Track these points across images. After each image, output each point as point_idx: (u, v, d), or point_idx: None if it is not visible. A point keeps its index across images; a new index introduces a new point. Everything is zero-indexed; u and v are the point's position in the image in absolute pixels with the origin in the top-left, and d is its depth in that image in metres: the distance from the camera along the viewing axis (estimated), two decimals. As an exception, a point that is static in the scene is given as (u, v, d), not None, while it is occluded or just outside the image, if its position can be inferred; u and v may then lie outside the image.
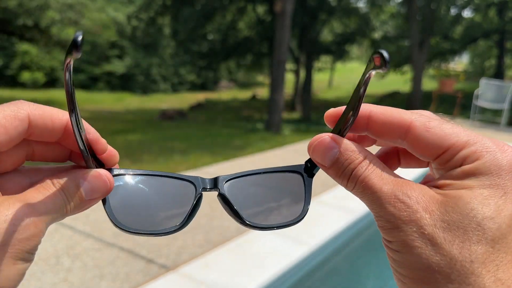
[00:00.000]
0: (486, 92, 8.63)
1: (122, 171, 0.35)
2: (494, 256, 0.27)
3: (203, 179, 0.35)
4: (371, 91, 21.54)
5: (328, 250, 2.42)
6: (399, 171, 0.36)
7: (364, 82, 0.31)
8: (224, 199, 0.35)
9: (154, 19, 14.01)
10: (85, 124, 0.33)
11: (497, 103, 8.41)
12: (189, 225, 0.35)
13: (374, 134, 0.34)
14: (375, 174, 0.31)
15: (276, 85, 9.35)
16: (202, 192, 0.35)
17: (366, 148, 0.34)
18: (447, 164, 0.31)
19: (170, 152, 6.27)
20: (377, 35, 16.78)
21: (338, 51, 16.37)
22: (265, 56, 15.29)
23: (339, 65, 25.74)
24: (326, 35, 17.76)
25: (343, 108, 0.34)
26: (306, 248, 2.22)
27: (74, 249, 2.21)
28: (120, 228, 0.34)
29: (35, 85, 17.88)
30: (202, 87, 22.33)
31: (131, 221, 0.34)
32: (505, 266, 0.27)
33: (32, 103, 0.32)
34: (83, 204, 0.32)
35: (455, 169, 0.30)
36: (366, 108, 0.33)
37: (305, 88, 14.18)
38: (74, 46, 0.25)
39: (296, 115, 14.01)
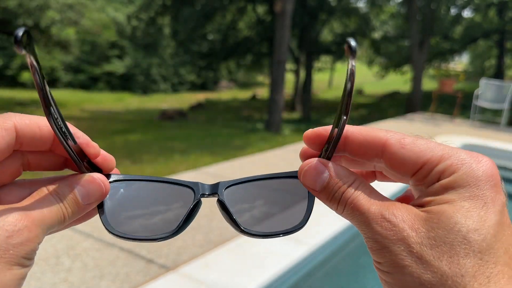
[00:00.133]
0: (486, 92, 8.63)
1: (120, 177, 0.35)
2: (484, 268, 0.27)
3: (203, 185, 0.35)
4: (371, 91, 21.56)
5: (328, 250, 2.42)
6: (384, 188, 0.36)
7: (347, 93, 0.30)
8: (222, 206, 0.35)
9: (154, 19, 14.01)
10: (73, 128, 0.32)
11: (497, 103, 8.40)
12: (189, 225, 0.35)
13: (352, 154, 0.34)
14: (363, 196, 0.31)
15: (276, 85, 9.36)
16: (201, 198, 0.35)
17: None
18: (424, 180, 0.31)
19: (170, 152, 6.27)
20: (377, 35, 16.78)
21: (338, 51, 16.36)
22: (265, 56, 15.30)
23: (339, 65, 25.73)
24: (326, 35, 17.76)
25: (321, 128, 0.34)
26: (306, 248, 2.22)
27: (74, 249, 2.21)
28: (116, 235, 0.33)
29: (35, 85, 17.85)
30: (202, 87, 22.33)
31: (127, 227, 0.34)
32: (495, 277, 0.27)
33: (19, 114, 0.32)
34: (80, 210, 0.32)
35: (434, 184, 0.30)
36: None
37: (305, 88, 14.18)
38: (14, 42, 0.24)
39: (296, 115, 14.02)
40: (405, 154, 0.31)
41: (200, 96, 18.61)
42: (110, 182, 0.34)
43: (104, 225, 0.34)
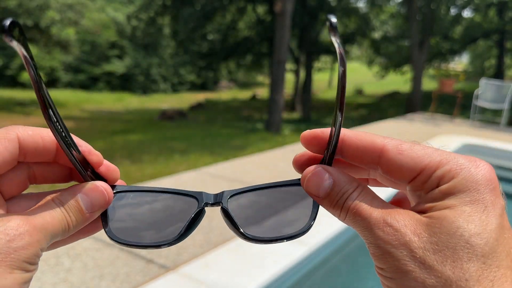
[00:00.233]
0: (486, 92, 8.63)
1: (124, 188, 0.35)
2: (487, 272, 0.27)
3: (207, 194, 0.35)
4: (371, 91, 21.56)
5: (328, 250, 2.42)
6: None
7: (340, 87, 0.30)
8: (225, 213, 0.35)
9: (154, 19, 14.01)
10: (74, 138, 0.33)
11: (497, 103, 8.40)
12: (191, 233, 0.35)
13: (348, 158, 0.34)
14: (365, 202, 0.31)
15: (276, 85, 9.36)
16: (205, 207, 0.35)
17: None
18: (423, 186, 0.31)
19: (170, 152, 6.27)
20: (377, 35, 16.78)
21: (338, 51, 16.34)
22: (265, 56, 15.30)
23: (339, 65, 25.70)
24: (326, 35, 17.75)
25: (319, 130, 0.35)
26: (306, 248, 2.22)
27: (74, 249, 2.21)
28: (119, 242, 0.33)
29: (35, 85, 17.85)
30: (202, 87, 22.34)
31: (130, 235, 0.34)
32: (499, 280, 0.27)
33: (22, 126, 0.32)
34: (84, 218, 0.32)
35: (433, 190, 0.30)
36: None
37: (305, 88, 14.18)
38: (2, 31, 0.24)
39: (296, 115, 14.02)
40: (403, 160, 0.31)
41: (200, 96, 18.61)
42: (114, 193, 0.34)
43: (107, 234, 0.34)
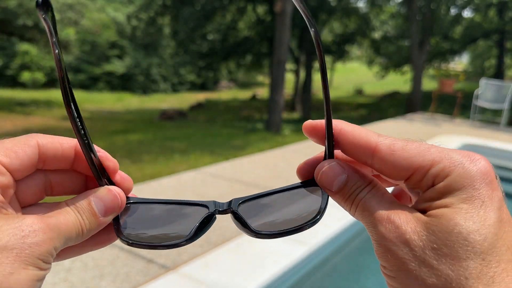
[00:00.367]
0: (486, 92, 8.63)
1: (136, 199, 0.36)
2: (487, 269, 0.27)
3: (217, 203, 0.36)
4: (371, 91, 21.56)
5: (328, 250, 2.42)
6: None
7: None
8: (235, 216, 0.35)
9: (154, 19, 14.01)
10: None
11: (497, 103, 8.40)
12: (201, 236, 0.35)
13: (344, 151, 0.34)
14: (374, 198, 0.32)
15: (276, 85, 9.36)
16: (216, 215, 0.35)
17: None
18: (419, 185, 0.31)
19: (170, 152, 6.27)
20: (377, 35, 16.78)
21: (338, 51, 16.36)
22: (265, 56, 15.29)
23: (339, 65, 25.74)
24: (326, 35, 17.75)
25: (318, 121, 0.35)
26: (306, 248, 2.22)
27: (74, 249, 2.21)
28: (129, 242, 0.34)
29: (35, 85, 17.87)
30: (202, 87, 22.33)
31: (142, 238, 0.34)
32: (499, 276, 0.27)
33: (41, 134, 0.33)
34: (98, 222, 0.33)
35: (429, 189, 0.30)
36: (337, 124, 0.34)
37: (305, 88, 14.18)
38: (36, 5, 0.26)
39: (296, 115, 14.02)
40: (395, 160, 0.31)
41: (200, 96, 18.61)
42: (126, 204, 0.35)
43: (117, 235, 0.34)
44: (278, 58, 9.16)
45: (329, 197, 0.35)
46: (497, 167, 5.11)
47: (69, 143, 0.34)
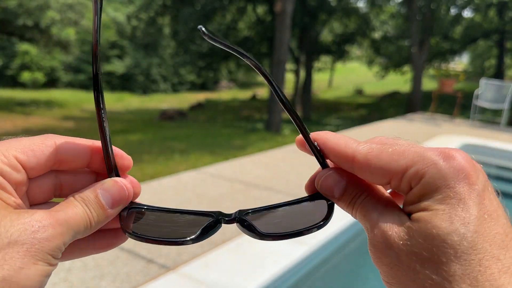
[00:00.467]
0: (486, 92, 8.63)
1: (142, 206, 0.36)
2: (470, 269, 0.26)
3: (222, 213, 0.36)
4: (371, 91, 21.56)
5: (328, 250, 2.42)
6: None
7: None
8: (241, 222, 0.35)
9: (154, 19, 14.01)
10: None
11: (497, 103, 8.40)
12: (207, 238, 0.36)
13: (332, 162, 0.35)
14: (370, 202, 0.32)
15: (276, 85, 9.34)
16: (223, 224, 0.36)
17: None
18: (399, 190, 0.31)
19: (170, 152, 6.27)
20: (377, 35, 16.78)
21: (338, 51, 16.36)
22: (265, 56, 15.28)
23: (339, 65, 25.74)
24: (326, 35, 17.76)
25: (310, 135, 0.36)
26: (306, 248, 2.22)
27: (74, 249, 2.21)
28: (135, 236, 0.34)
29: (35, 85, 17.88)
30: (202, 87, 22.34)
31: (145, 231, 0.34)
32: (484, 274, 0.26)
33: (58, 135, 0.34)
34: (106, 214, 0.33)
35: (409, 193, 0.30)
36: (322, 136, 0.35)
37: (305, 88, 14.19)
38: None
39: (296, 115, 13.99)
40: (372, 169, 0.31)
41: (200, 96, 18.62)
42: (130, 208, 0.35)
43: (122, 228, 0.34)
44: (278, 58, 9.16)
45: (335, 205, 0.35)
46: (497, 167, 5.11)
47: (85, 144, 0.34)
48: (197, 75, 21.40)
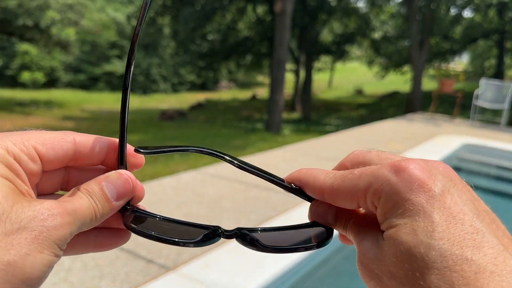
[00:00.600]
0: (486, 92, 8.64)
1: (144, 212, 0.36)
2: (446, 277, 0.25)
3: (221, 228, 0.37)
4: (371, 91, 21.57)
5: (328, 250, 2.43)
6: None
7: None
8: (242, 236, 0.36)
9: (154, 19, 14.02)
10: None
11: (497, 103, 8.41)
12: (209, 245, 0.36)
13: (312, 196, 0.36)
14: (355, 224, 0.33)
15: (276, 85, 9.36)
16: (220, 236, 0.36)
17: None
18: (369, 211, 0.32)
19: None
20: (377, 35, 16.79)
21: (338, 51, 16.37)
22: (265, 56, 15.30)
23: (339, 65, 25.75)
24: (326, 35, 17.76)
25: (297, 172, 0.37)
26: (306, 248, 2.22)
27: (74, 249, 2.21)
28: (138, 232, 0.34)
29: (35, 85, 17.88)
30: (202, 87, 22.34)
31: (148, 228, 0.34)
32: (458, 280, 0.25)
33: (77, 132, 0.35)
34: (110, 207, 0.33)
35: (376, 213, 0.30)
36: (295, 176, 0.36)
37: (305, 88, 14.19)
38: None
39: (296, 115, 14.02)
40: (339, 198, 0.32)
41: (200, 96, 18.62)
42: (131, 212, 0.35)
43: (124, 223, 0.34)
44: (278, 58, 9.16)
45: (333, 232, 0.36)
46: (497, 167, 5.11)
47: (103, 142, 0.35)
48: (197, 75, 21.41)
